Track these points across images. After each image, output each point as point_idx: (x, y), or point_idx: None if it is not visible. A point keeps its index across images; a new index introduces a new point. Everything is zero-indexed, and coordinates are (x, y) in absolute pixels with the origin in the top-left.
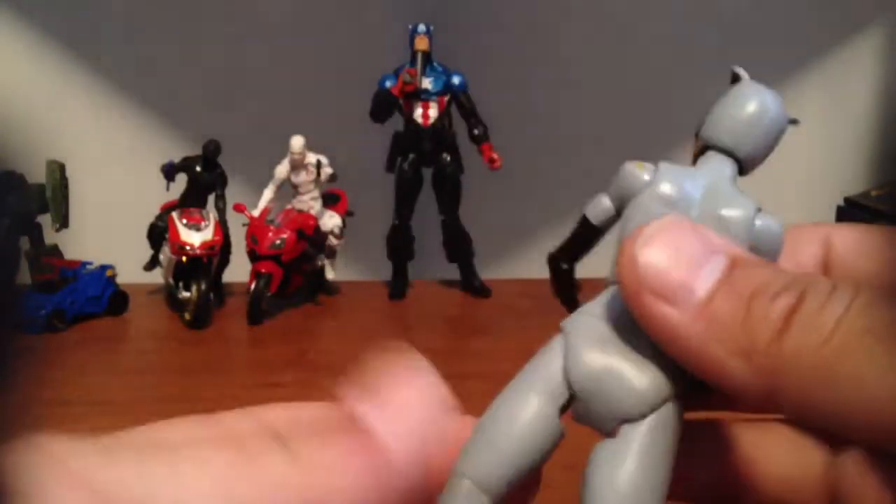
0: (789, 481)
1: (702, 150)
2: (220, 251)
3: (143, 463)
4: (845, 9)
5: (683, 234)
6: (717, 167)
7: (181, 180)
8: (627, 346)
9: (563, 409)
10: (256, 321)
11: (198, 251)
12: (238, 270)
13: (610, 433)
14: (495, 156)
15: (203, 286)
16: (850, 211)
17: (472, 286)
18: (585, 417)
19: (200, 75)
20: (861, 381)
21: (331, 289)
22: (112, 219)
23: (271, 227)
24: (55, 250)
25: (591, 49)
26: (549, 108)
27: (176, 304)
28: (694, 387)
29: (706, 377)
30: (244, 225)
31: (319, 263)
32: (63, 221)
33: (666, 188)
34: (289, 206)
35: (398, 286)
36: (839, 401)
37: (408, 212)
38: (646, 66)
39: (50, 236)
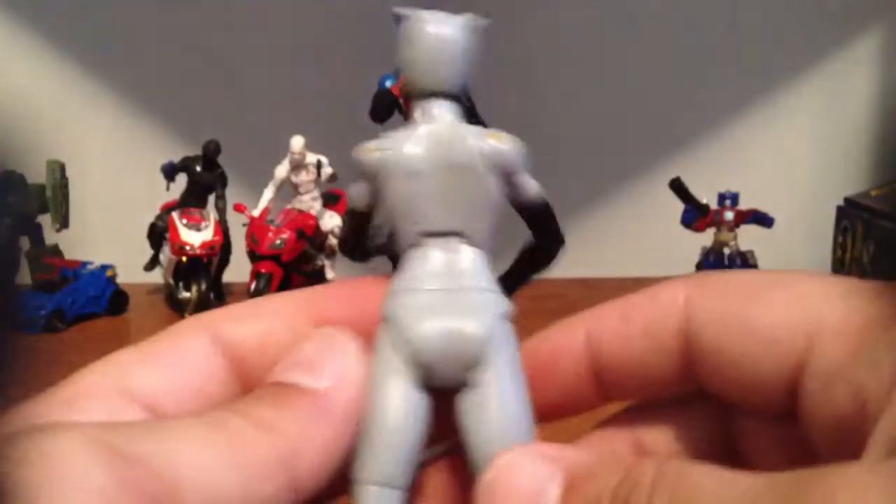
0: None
1: (411, 103)
2: (220, 251)
3: (156, 438)
4: (845, 9)
5: (518, 475)
6: (433, 112)
7: (181, 180)
8: (445, 304)
9: (421, 382)
10: None
11: (198, 251)
12: (238, 270)
13: (464, 384)
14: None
15: (203, 286)
16: (850, 211)
17: None
18: (439, 380)
19: (200, 75)
20: None
21: None
22: (112, 219)
23: (271, 227)
24: (55, 250)
25: (592, 49)
26: (550, 108)
27: (176, 304)
28: (531, 273)
29: None
30: (244, 225)
31: (319, 263)
32: (63, 221)
33: (401, 162)
34: (289, 206)
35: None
36: None
37: None
38: (646, 66)
39: (50, 236)
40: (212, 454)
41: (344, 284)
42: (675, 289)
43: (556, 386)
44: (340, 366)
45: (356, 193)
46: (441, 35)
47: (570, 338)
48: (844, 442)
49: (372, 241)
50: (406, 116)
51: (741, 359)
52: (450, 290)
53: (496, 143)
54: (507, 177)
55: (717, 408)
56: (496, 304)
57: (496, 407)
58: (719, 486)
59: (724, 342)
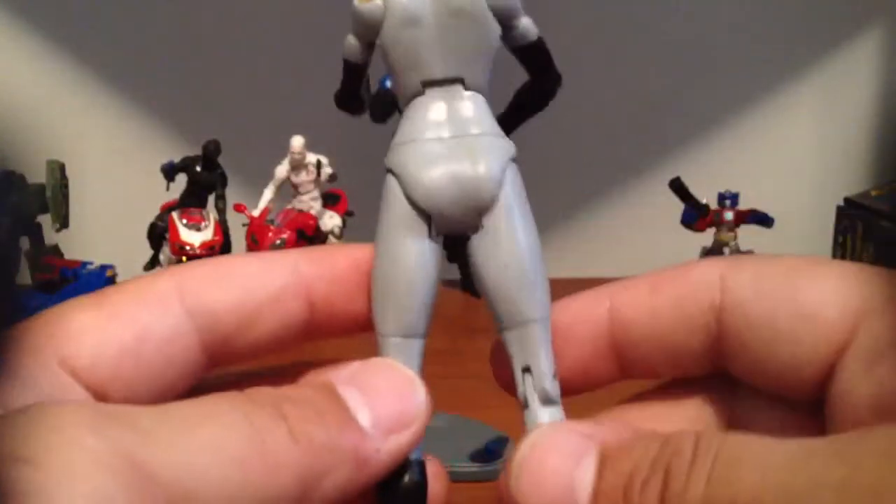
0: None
1: None
2: (220, 251)
3: (167, 430)
4: (845, 8)
5: (550, 450)
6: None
7: (181, 180)
8: (451, 150)
9: (430, 231)
10: None
11: (198, 251)
12: None
13: (475, 229)
14: None
15: None
16: (850, 211)
17: (472, 286)
18: (450, 226)
19: (200, 75)
20: None
21: None
22: (112, 219)
23: (271, 227)
24: (55, 250)
25: (591, 49)
26: (550, 108)
27: None
28: (530, 113)
29: None
30: (244, 225)
31: None
32: (63, 221)
33: (401, 10)
34: (289, 206)
35: None
36: None
37: None
38: (646, 66)
39: (50, 236)
40: (234, 468)
41: (316, 249)
42: (709, 265)
43: (574, 357)
44: (403, 421)
45: (348, 46)
46: None
47: (593, 308)
48: (877, 423)
49: (363, 94)
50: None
51: (780, 337)
52: (456, 137)
53: None
54: (508, 20)
55: (717, 396)
56: (503, 148)
57: (508, 244)
58: (765, 448)
59: (763, 318)
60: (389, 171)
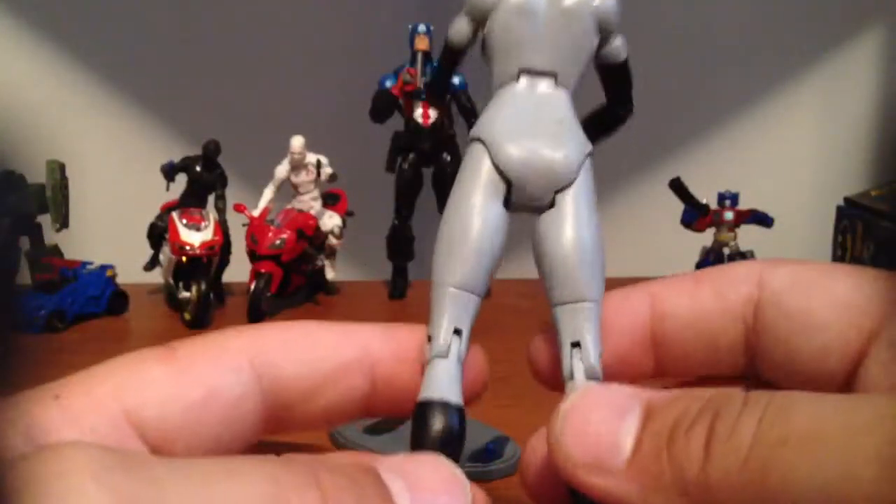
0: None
1: None
2: (220, 251)
3: (183, 482)
4: (845, 9)
5: (596, 403)
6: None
7: (181, 180)
8: (537, 132)
9: (506, 201)
10: (256, 321)
11: (198, 251)
12: (238, 270)
13: (544, 208)
14: None
15: (203, 286)
16: (849, 211)
17: None
18: (524, 199)
19: (200, 75)
20: (789, 495)
21: (331, 289)
22: (112, 219)
23: (271, 227)
24: (55, 250)
25: None
26: None
27: (176, 304)
28: (598, 135)
29: None
30: (244, 225)
31: (319, 263)
32: (63, 221)
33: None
34: (289, 206)
35: (398, 286)
36: None
37: (408, 212)
38: (646, 66)
39: (50, 236)
40: None
41: (387, 327)
42: (749, 264)
43: (613, 346)
44: None
45: (458, 27)
46: None
47: (635, 300)
48: None
49: (444, 84)
50: (405, 117)
51: (813, 324)
52: (543, 122)
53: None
54: (606, 32)
55: None
56: (583, 142)
57: (576, 224)
58: (815, 396)
59: (798, 307)
60: (477, 139)
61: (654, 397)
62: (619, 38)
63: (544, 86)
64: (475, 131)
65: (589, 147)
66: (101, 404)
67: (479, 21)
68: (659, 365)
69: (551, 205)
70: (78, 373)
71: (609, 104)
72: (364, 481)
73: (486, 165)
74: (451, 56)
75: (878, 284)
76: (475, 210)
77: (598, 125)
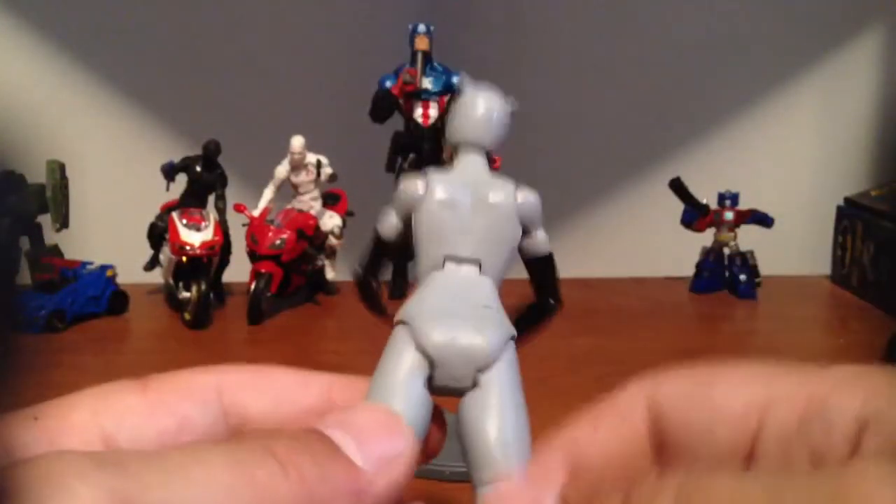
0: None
1: (454, 151)
2: (220, 251)
3: (159, 472)
4: (845, 9)
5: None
6: (472, 161)
7: (181, 180)
8: (459, 314)
9: (428, 381)
10: (256, 321)
11: (198, 251)
12: (238, 270)
13: (469, 387)
14: (495, 156)
15: (203, 286)
16: (850, 211)
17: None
18: (446, 380)
19: (200, 75)
20: None
21: (331, 289)
22: (112, 219)
23: (271, 227)
24: (55, 250)
25: (591, 49)
26: (549, 109)
27: (176, 305)
28: (528, 329)
29: None
30: (244, 225)
31: (319, 263)
32: (63, 221)
33: (441, 194)
34: (289, 206)
35: (398, 286)
36: None
37: None
38: (646, 66)
39: (50, 236)
40: (226, 499)
41: (350, 378)
42: (633, 391)
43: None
44: (391, 453)
45: (387, 222)
46: (489, 103)
47: (548, 463)
48: None
49: (382, 271)
50: (405, 117)
51: (704, 430)
52: (466, 307)
53: (529, 194)
54: (528, 227)
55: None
56: (506, 326)
57: (498, 403)
58: (731, 482)
59: (689, 418)
60: (401, 322)
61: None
62: (540, 232)
63: (468, 271)
64: (400, 314)
65: (512, 331)
66: (79, 427)
67: (407, 214)
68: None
69: (474, 384)
70: (56, 399)
71: (537, 297)
72: (312, 441)
73: (409, 345)
74: (384, 247)
75: (753, 385)
76: (397, 389)
77: (528, 320)
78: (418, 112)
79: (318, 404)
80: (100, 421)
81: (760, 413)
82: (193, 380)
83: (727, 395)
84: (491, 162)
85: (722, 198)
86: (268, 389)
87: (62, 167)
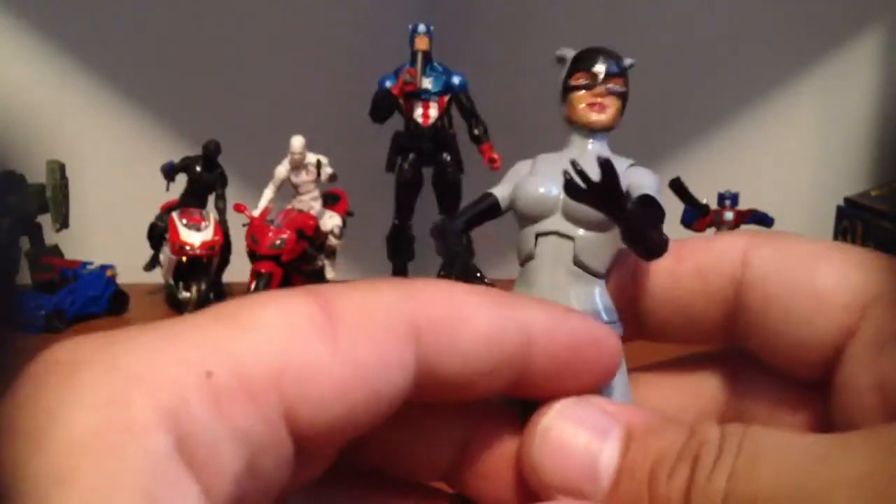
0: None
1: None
2: (220, 251)
3: (196, 330)
4: (845, 9)
5: (574, 423)
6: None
7: (181, 180)
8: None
9: None
10: None
11: (198, 251)
12: (238, 270)
13: None
14: (496, 156)
15: (203, 286)
16: (850, 211)
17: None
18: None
19: (201, 75)
20: None
21: None
22: (112, 219)
23: (271, 227)
24: (55, 250)
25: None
26: (549, 109)
27: (176, 304)
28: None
29: None
30: (244, 225)
31: (319, 263)
32: (63, 221)
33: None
34: (289, 206)
35: None
36: None
37: (408, 212)
38: (646, 66)
39: (50, 236)
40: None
41: (550, 311)
42: (733, 239)
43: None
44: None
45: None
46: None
47: (619, 271)
48: (881, 409)
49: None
50: (405, 117)
51: (794, 315)
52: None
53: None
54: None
55: (723, 370)
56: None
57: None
58: (783, 444)
59: (780, 296)
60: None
61: (633, 421)
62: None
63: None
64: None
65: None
66: (260, 398)
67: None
68: (643, 332)
69: None
70: (224, 334)
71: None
72: None
73: None
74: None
75: (864, 272)
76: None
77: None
78: (418, 112)
79: (516, 352)
80: (284, 387)
81: (862, 310)
82: (388, 317)
83: (835, 279)
84: (491, 162)
85: (722, 198)
86: (460, 334)
87: (62, 167)
